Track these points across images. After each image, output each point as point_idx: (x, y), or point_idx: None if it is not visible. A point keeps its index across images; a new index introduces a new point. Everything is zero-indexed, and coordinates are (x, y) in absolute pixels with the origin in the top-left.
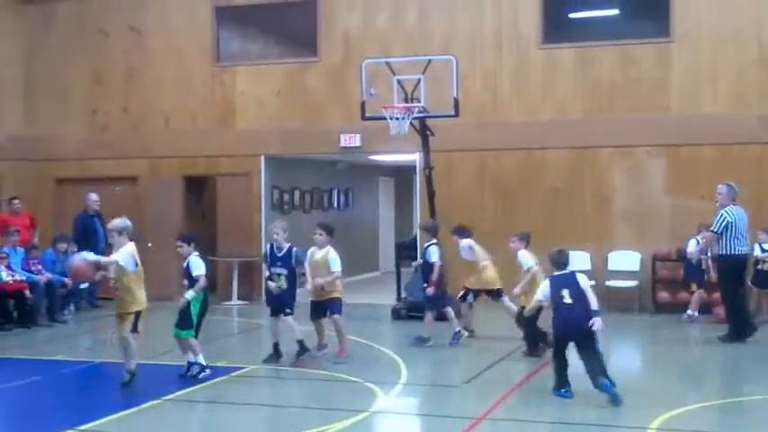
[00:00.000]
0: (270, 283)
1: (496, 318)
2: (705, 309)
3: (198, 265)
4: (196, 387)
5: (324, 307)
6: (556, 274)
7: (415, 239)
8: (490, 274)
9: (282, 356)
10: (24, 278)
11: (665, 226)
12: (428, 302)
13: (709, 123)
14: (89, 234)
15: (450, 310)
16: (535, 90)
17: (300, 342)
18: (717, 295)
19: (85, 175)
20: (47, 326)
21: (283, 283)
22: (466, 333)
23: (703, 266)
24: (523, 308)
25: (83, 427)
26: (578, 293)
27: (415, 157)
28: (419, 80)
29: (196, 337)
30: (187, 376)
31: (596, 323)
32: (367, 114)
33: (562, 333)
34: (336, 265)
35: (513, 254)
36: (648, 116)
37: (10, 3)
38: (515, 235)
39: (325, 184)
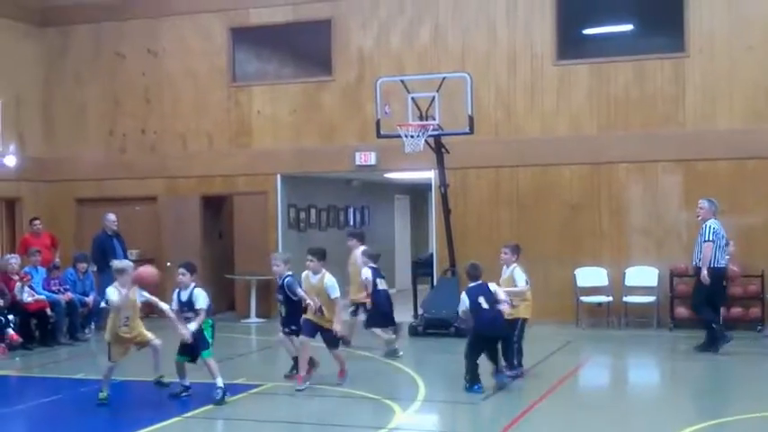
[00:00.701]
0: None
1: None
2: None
3: (203, 298)
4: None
5: (318, 329)
6: (471, 285)
7: (432, 257)
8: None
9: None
10: (45, 298)
11: (681, 241)
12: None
13: (724, 138)
14: (107, 253)
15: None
16: (550, 106)
17: (295, 359)
18: (735, 310)
19: (104, 195)
20: (68, 344)
21: (283, 310)
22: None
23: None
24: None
25: None
26: (492, 300)
27: (431, 175)
28: (433, 98)
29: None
30: (215, 401)
31: (504, 307)
32: (382, 132)
33: (483, 334)
34: (335, 291)
35: (501, 267)
36: (664, 131)
37: (28, 27)
38: (507, 246)
39: (340, 202)
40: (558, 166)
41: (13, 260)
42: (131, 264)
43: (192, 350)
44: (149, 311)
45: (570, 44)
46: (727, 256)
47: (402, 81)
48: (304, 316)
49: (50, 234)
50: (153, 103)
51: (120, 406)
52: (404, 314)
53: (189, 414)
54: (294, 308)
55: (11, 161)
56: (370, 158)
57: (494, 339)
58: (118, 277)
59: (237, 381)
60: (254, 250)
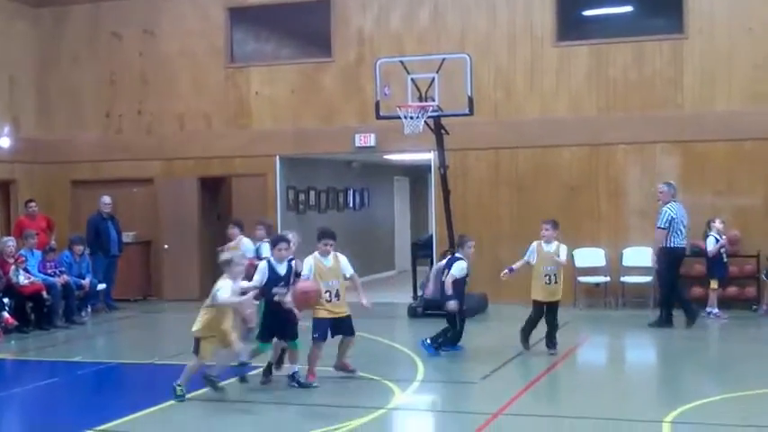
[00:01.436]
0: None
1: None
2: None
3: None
4: None
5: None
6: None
7: (431, 238)
8: None
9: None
10: (41, 280)
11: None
12: None
13: (722, 119)
14: (102, 236)
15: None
16: (549, 88)
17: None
18: (731, 290)
19: (100, 177)
20: (64, 328)
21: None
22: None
23: (725, 260)
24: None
25: (101, 428)
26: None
27: (430, 156)
28: (433, 79)
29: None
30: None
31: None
32: (381, 114)
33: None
34: (351, 268)
35: (542, 243)
36: (662, 113)
37: (23, 7)
38: (548, 222)
39: (340, 184)
40: (557, 147)
41: (10, 243)
42: (239, 254)
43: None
44: None
45: (570, 25)
46: (686, 239)
47: (402, 62)
48: (316, 316)
49: (46, 216)
50: (150, 83)
51: (117, 389)
52: (403, 295)
53: (187, 396)
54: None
55: (5, 143)
56: (369, 140)
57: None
58: (226, 269)
59: (234, 363)
60: (252, 232)
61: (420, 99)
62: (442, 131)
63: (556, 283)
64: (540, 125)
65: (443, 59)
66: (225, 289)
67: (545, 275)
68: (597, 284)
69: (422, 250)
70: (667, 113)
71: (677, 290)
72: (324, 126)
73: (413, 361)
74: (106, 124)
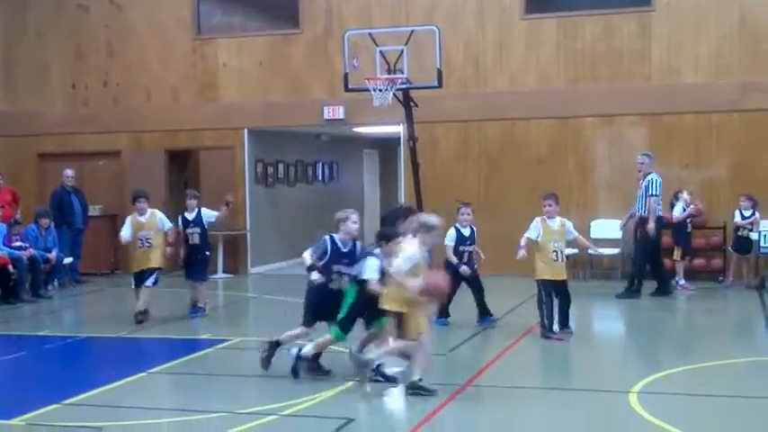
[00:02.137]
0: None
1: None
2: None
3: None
4: (182, 360)
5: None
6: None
7: None
8: None
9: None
10: (7, 254)
11: None
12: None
13: (690, 92)
14: (65, 209)
15: None
16: (518, 60)
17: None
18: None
19: (67, 149)
20: (30, 301)
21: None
22: None
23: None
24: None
25: (69, 401)
26: None
27: (400, 129)
28: (402, 51)
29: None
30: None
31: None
32: (350, 86)
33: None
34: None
35: (546, 219)
36: (630, 85)
37: None
38: (550, 198)
39: (309, 157)
40: (525, 120)
41: None
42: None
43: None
44: None
45: None
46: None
47: (370, 34)
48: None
49: (11, 189)
50: (116, 56)
51: (84, 362)
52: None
53: (154, 370)
54: None
55: None
56: (338, 112)
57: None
58: (423, 232)
59: (203, 336)
60: (220, 205)
61: (389, 71)
62: (411, 104)
63: (563, 260)
64: (508, 98)
65: (412, 32)
66: (412, 254)
67: (552, 251)
68: (567, 256)
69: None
70: (635, 86)
71: (659, 260)
72: (292, 98)
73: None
74: (72, 97)
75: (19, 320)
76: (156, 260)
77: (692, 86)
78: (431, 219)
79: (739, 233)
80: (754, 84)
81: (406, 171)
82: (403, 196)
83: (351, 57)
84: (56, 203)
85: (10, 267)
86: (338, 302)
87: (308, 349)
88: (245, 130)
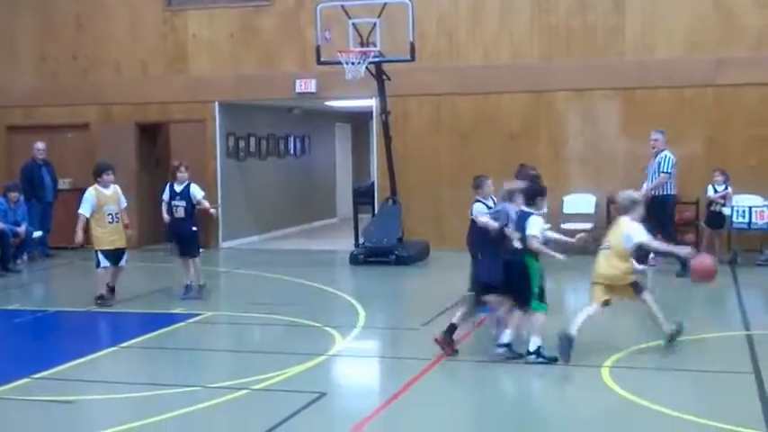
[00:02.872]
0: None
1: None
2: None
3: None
4: (153, 334)
5: None
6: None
7: (373, 185)
8: None
9: None
10: None
11: (619, 169)
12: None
13: (664, 67)
14: (36, 183)
15: None
16: (491, 34)
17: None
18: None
19: (36, 122)
20: (0, 275)
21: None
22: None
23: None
24: None
25: (39, 375)
26: None
27: (372, 103)
28: (375, 24)
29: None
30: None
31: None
32: (322, 59)
33: None
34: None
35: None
36: (604, 60)
37: None
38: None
39: (281, 131)
40: (498, 94)
41: None
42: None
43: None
44: None
45: None
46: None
47: (343, 6)
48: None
49: None
50: (85, 28)
51: (55, 336)
52: (345, 242)
53: (125, 344)
54: None
55: None
56: (310, 86)
57: None
58: (631, 209)
59: (175, 311)
60: (191, 179)
61: (361, 44)
62: (384, 77)
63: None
64: (481, 72)
65: (385, 4)
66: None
67: None
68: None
69: (363, 197)
70: (609, 61)
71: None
72: (264, 71)
73: (354, 308)
74: (41, 69)
75: None
76: (126, 238)
77: (666, 62)
78: (635, 194)
79: (712, 208)
80: (728, 59)
81: (379, 145)
82: (375, 170)
83: (323, 29)
84: (26, 177)
85: None
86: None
87: (508, 336)
88: (216, 104)
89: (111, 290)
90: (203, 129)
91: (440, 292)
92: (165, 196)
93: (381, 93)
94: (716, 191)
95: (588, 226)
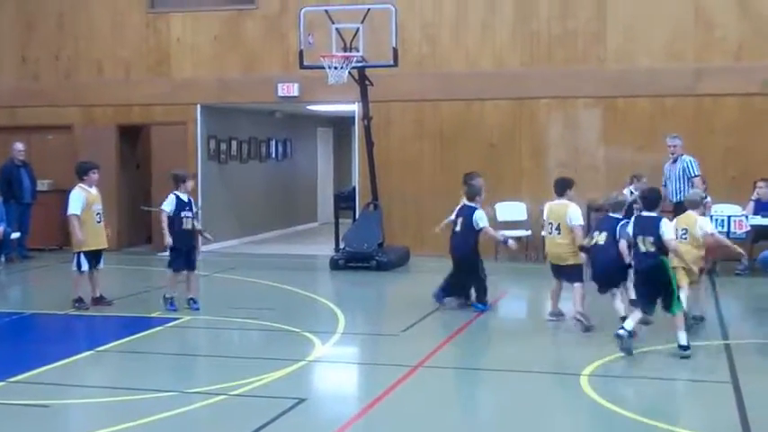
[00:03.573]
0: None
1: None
2: None
3: None
4: (131, 338)
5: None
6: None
7: (354, 190)
8: None
9: None
10: None
11: (600, 176)
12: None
13: (644, 75)
14: (14, 184)
15: None
16: (474, 41)
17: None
18: None
19: (16, 123)
20: None
21: None
22: None
23: None
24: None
25: (15, 379)
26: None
27: (354, 108)
28: (358, 29)
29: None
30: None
31: None
32: (305, 63)
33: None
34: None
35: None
36: (585, 68)
37: None
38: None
39: (262, 134)
40: (480, 100)
41: None
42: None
43: None
44: None
45: None
46: None
47: (326, 11)
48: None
49: None
50: (67, 28)
51: (31, 339)
52: (326, 247)
53: (101, 348)
54: None
55: None
56: (292, 90)
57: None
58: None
59: (153, 314)
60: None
61: (344, 49)
62: (367, 83)
63: None
64: (464, 78)
65: (368, 9)
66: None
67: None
68: (519, 238)
69: (344, 202)
70: (590, 68)
71: None
72: (246, 75)
73: (334, 313)
74: (22, 69)
75: None
76: (107, 238)
77: (647, 70)
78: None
79: None
80: (708, 69)
81: (361, 150)
82: (357, 175)
83: (306, 33)
84: (4, 178)
85: None
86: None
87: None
88: (198, 106)
89: (100, 298)
90: (185, 131)
91: (420, 299)
92: (170, 207)
93: (364, 98)
94: None
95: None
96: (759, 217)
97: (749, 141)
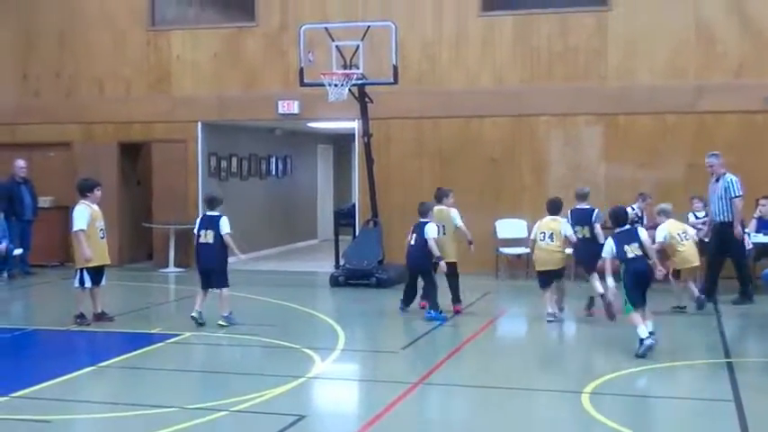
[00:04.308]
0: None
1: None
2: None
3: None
4: (131, 354)
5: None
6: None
7: (354, 207)
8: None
9: None
10: None
11: (600, 194)
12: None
13: (645, 92)
14: (15, 200)
15: None
16: (474, 58)
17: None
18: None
19: (17, 140)
20: None
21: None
22: None
23: None
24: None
25: (16, 394)
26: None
27: (354, 125)
28: (358, 47)
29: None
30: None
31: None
32: (305, 81)
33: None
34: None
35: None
36: (586, 85)
37: None
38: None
39: (263, 152)
40: (480, 117)
41: None
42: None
43: None
44: None
45: None
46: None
47: (326, 28)
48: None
49: None
50: (68, 46)
51: (33, 355)
52: (326, 264)
53: (103, 364)
54: None
55: None
56: (293, 107)
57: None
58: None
59: (154, 330)
60: (173, 199)
61: (344, 67)
62: (366, 100)
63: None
64: (464, 96)
65: (368, 27)
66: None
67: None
68: (519, 255)
69: (344, 219)
70: (591, 85)
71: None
72: (247, 92)
73: (334, 330)
74: (23, 86)
75: None
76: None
77: (648, 87)
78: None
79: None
80: (709, 86)
81: (361, 167)
82: (357, 192)
83: (306, 51)
84: (5, 194)
85: None
86: None
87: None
88: (199, 124)
89: (101, 314)
90: (185, 149)
91: (420, 316)
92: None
93: (364, 115)
94: (696, 218)
95: (569, 251)
96: (761, 235)
97: (750, 159)
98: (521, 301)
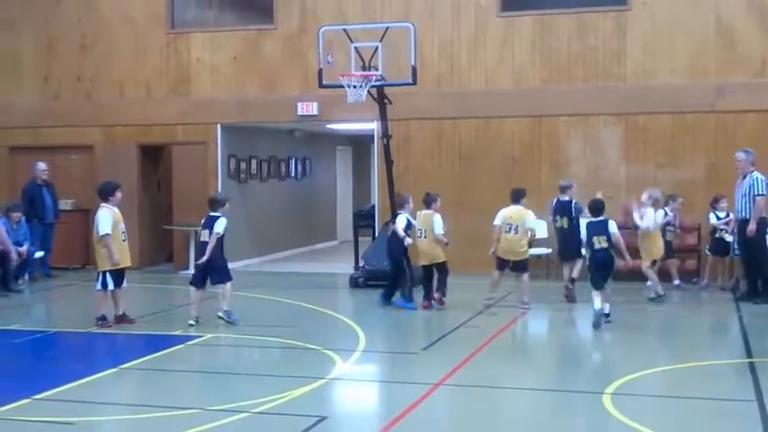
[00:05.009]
0: None
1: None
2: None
3: None
4: (153, 356)
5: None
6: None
7: (373, 208)
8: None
9: None
10: None
11: (620, 194)
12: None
13: (665, 92)
14: (37, 203)
15: None
16: (493, 58)
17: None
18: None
19: (39, 143)
20: (1, 295)
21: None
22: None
23: (668, 238)
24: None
25: (39, 396)
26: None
27: (373, 126)
28: (377, 48)
29: None
30: None
31: None
32: (324, 82)
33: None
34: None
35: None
36: (606, 85)
37: None
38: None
39: (282, 153)
40: (499, 118)
41: None
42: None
43: None
44: None
45: None
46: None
47: (345, 30)
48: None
49: None
50: (89, 49)
51: (55, 357)
52: (345, 265)
53: (125, 365)
54: None
55: None
56: (312, 109)
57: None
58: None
59: (175, 332)
60: (193, 201)
61: (363, 68)
62: (386, 101)
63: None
64: (483, 96)
65: (387, 28)
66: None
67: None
68: (539, 256)
69: (364, 220)
70: (610, 85)
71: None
72: (266, 94)
73: (354, 331)
74: (44, 90)
75: None
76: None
77: (668, 87)
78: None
79: (716, 235)
80: (729, 85)
81: (380, 168)
82: (376, 193)
83: (325, 53)
84: (27, 197)
85: None
86: None
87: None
88: (219, 126)
89: (123, 316)
90: (205, 151)
91: (440, 316)
92: (222, 229)
93: (383, 116)
94: (718, 217)
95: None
96: None
97: None
98: (540, 302)
